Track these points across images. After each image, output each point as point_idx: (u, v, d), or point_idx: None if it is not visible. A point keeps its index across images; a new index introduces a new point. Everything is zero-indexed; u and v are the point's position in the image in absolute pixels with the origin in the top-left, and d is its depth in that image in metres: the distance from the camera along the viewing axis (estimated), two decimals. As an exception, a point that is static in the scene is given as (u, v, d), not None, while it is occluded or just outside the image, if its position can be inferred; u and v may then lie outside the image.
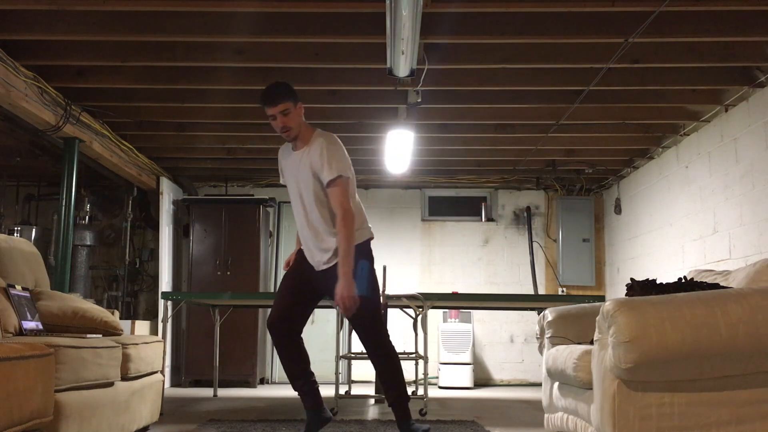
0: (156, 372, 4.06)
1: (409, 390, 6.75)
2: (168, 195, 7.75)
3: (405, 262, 8.33)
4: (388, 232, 8.34)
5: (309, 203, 3.47)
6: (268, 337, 8.06)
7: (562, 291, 8.24)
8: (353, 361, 6.83)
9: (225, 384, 7.11)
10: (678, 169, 6.49)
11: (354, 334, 6.21)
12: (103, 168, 6.77)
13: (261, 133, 6.53)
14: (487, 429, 4.14)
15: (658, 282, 2.96)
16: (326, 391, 6.44)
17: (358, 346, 7.55)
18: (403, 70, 4.44)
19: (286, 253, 8.36)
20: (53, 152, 6.16)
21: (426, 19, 4.02)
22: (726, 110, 5.62)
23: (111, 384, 3.25)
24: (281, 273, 8.33)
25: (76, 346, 2.81)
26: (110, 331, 3.67)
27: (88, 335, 3.34)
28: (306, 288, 3.55)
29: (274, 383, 8.01)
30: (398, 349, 6.89)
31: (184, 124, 6.40)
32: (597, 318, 2.65)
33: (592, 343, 2.75)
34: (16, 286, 3.43)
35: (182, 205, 8.02)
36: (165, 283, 7.58)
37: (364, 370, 7.53)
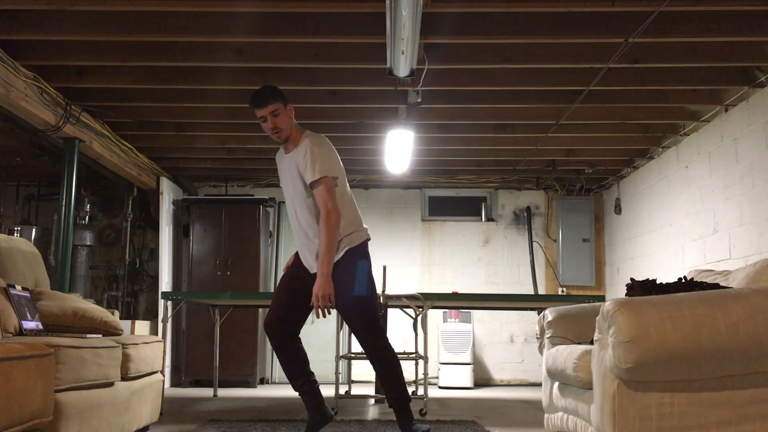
0: (156, 372, 4.06)
1: (410, 390, 6.77)
2: (168, 195, 7.75)
3: (405, 262, 8.33)
4: (388, 232, 8.34)
5: (299, 206, 3.48)
6: (268, 337, 8.05)
7: (562, 291, 8.24)
8: (353, 361, 6.83)
9: (225, 384, 7.11)
10: (678, 169, 6.49)
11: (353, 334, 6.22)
12: (103, 168, 6.77)
13: (261, 133, 6.52)
14: (487, 429, 4.14)
15: (658, 282, 2.96)
16: (326, 391, 6.43)
17: (358, 346, 7.56)
18: (403, 70, 4.44)
19: (286, 253, 8.36)
20: (53, 152, 6.16)
21: (426, 19, 4.02)
22: (726, 110, 5.62)
23: (111, 384, 3.25)
24: (281, 273, 8.35)
25: (76, 346, 2.81)
26: (110, 331, 3.67)
27: (88, 335, 3.34)
28: (302, 290, 3.53)
29: (274, 383, 8.01)
30: (398, 349, 6.90)
31: (184, 124, 6.40)
32: (597, 318, 2.65)
33: (592, 343, 2.75)
34: (16, 286, 3.43)
35: (182, 205, 8.02)
36: (165, 283, 7.58)
37: (364, 370, 7.53)
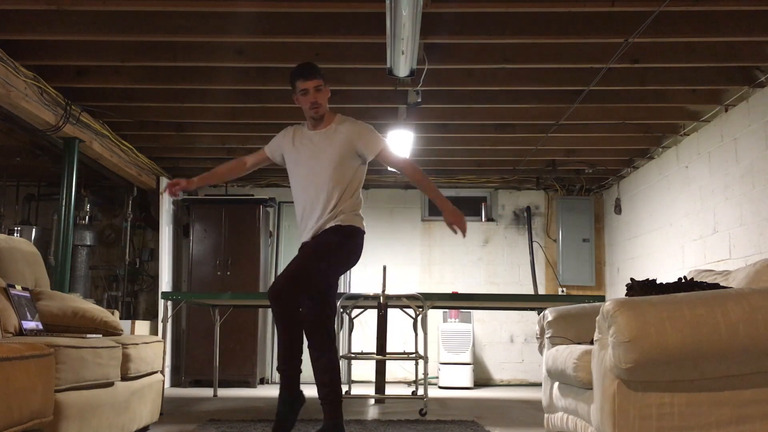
0: (156, 372, 4.06)
1: (410, 390, 6.77)
2: (168, 195, 7.74)
3: (405, 262, 8.33)
4: (388, 232, 8.34)
5: (325, 176, 3.45)
6: (268, 336, 8.06)
7: (562, 291, 8.24)
8: (353, 361, 6.83)
9: (225, 384, 7.11)
10: (678, 169, 6.49)
11: (354, 333, 6.22)
12: (103, 168, 6.77)
13: (261, 133, 6.53)
14: (487, 429, 4.14)
15: (658, 282, 2.96)
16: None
17: (357, 346, 7.57)
18: (403, 70, 4.44)
19: (286, 253, 8.35)
20: (53, 152, 6.16)
21: (426, 19, 4.02)
22: (726, 110, 5.62)
23: (111, 384, 3.25)
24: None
25: (76, 346, 2.81)
26: (110, 331, 3.67)
27: (88, 335, 3.34)
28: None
29: (274, 383, 8.00)
30: (398, 349, 6.90)
31: (184, 124, 6.40)
32: (597, 318, 2.65)
33: (592, 343, 2.75)
34: (16, 286, 3.43)
35: (182, 205, 8.02)
36: (165, 283, 7.58)
37: (364, 370, 7.53)
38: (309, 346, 3.49)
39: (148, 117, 6.21)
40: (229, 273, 7.56)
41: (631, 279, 3.07)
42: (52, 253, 6.27)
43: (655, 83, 5.22)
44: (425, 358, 5.06)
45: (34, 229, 7.28)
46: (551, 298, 6.63)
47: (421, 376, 5.82)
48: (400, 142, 6.17)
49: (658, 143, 6.70)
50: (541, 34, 4.40)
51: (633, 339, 2.42)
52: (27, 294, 3.48)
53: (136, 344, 3.62)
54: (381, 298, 5.58)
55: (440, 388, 7.47)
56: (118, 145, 6.55)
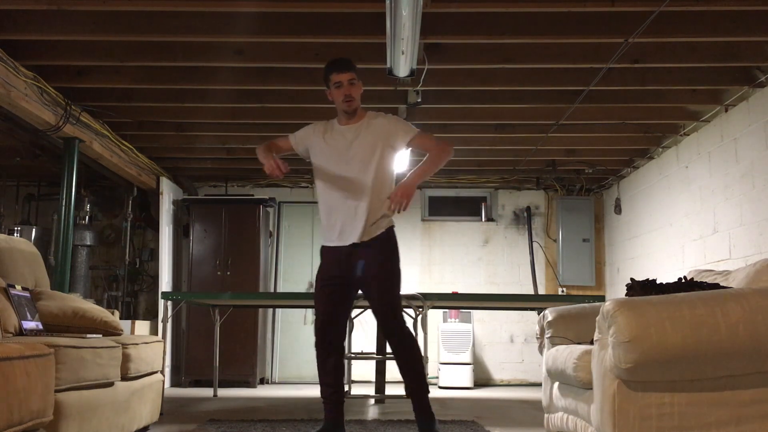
0: (156, 372, 4.06)
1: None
2: (168, 195, 7.75)
3: (405, 262, 8.17)
4: (388, 232, 8.33)
5: (368, 175, 3.45)
6: (268, 336, 8.06)
7: (562, 291, 8.24)
8: (353, 361, 6.83)
9: (225, 384, 7.10)
10: (678, 169, 6.49)
11: (354, 334, 6.22)
12: (103, 168, 6.77)
13: (261, 133, 6.53)
14: (487, 429, 4.14)
15: (658, 282, 2.96)
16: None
17: (357, 346, 7.57)
18: (403, 70, 4.44)
19: (286, 253, 8.36)
20: (53, 152, 6.16)
21: (426, 19, 4.02)
22: (726, 110, 5.62)
23: (111, 384, 3.25)
24: (281, 273, 8.37)
25: (76, 346, 2.81)
26: (110, 331, 3.67)
27: (88, 335, 3.34)
28: (340, 290, 3.52)
29: (274, 383, 8.01)
30: (398, 349, 6.88)
31: (184, 124, 6.40)
32: (597, 318, 2.64)
33: (592, 343, 2.75)
34: (16, 286, 3.42)
35: (182, 205, 8.01)
36: (165, 283, 7.58)
37: (364, 370, 7.53)
38: (407, 358, 3.52)
39: (148, 117, 6.20)
40: (229, 273, 7.56)
41: (631, 279, 3.07)
42: (52, 253, 6.27)
43: (655, 83, 5.22)
44: (425, 358, 5.05)
45: (34, 229, 7.28)
46: (551, 298, 6.63)
47: (421, 376, 5.81)
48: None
49: (658, 143, 6.70)
50: (541, 34, 4.40)
51: (633, 339, 2.42)
52: (27, 294, 3.48)
53: (136, 344, 3.62)
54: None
55: (440, 388, 7.47)
56: (118, 145, 6.54)
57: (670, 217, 6.60)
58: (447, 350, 7.60)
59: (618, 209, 7.94)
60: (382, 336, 3.52)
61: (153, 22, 4.31)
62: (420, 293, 5.24)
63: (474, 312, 7.83)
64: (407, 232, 8.45)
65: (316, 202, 8.77)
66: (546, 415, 3.64)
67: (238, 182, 8.39)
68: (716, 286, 2.90)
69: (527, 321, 8.22)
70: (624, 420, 2.48)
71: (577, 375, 2.88)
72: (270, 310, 8.07)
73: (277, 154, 3.59)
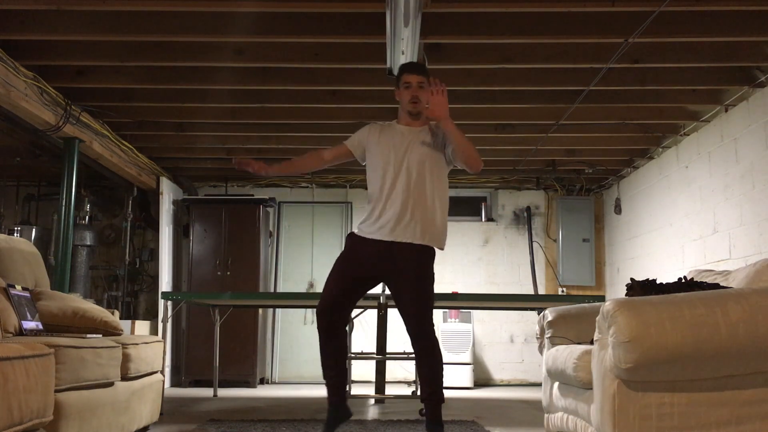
0: (156, 372, 4.06)
1: (409, 390, 6.77)
2: (168, 195, 7.75)
3: (405, 262, 8.30)
4: (388, 232, 8.33)
5: (425, 176, 3.48)
6: (268, 336, 8.06)
7: (562, 291, 8.24)
8: (353, 361, 6.83)
9: (225, 384, 7.11)
10: (678, 169, 6.49)
11: (354, 333, 6.22)
12: (103, 168, 6.77)
13: (261, 133, 6.53)
14: (487, 429, 4.14)
15: (658, 282, 2.96)
16: (326, 391, 6.38)
17: (358, 346, 7.57)
18: (403, 70, 4.43)
19: (287, 253, 8.36)
20: (53, 152, 6.16)
21: (426, 19, 4.02)
22: (726, 110, 5.62)
23: (111, 384, 3.25)
24: (281, 273, 8.37)
25: (76, 346, 2.81)
26: (110, 331, 3.67)
27: (88, 335, 3.34)
28: (363, 280, 3.52)
29: (274, 383, 8.01)
30: (398, 350, 6.90)
31: (184, 124, 6.40)
32: (597, 318, 2.65)
33: (592, 343, 2.75)
34: (16, 286, 3.43)
35: (182, 205, 8.02)
36: (165, 283, 7.58)
37: (364, 370, 7.53)
38: (429, 365, 3.50)
39: (148, 117, 6.20)
40: (229, 273, 7.56)
41: (631, 279, 3.07)
42: (52, 253, 6.27)
43: (655, 83, 5.22)
44: (425, 358, 5.05)
45: (34, 229, 7.28)
46: (551, 298, 6.63)
47: (421, 376, 5.81)
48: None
49: (658, 143, 6.70)
50: (541, 34, 4.40)
51: (633, 339, 2.42)
52: (27, 294, 3.48)
53: (136, 344, 3.62)
54: (381, 298, 5.58)
55: (440, 388, 7.46)
56: (118, 145, 6.55)
57: (670, 217, 6.60)
58: (447, 350, 7.59)
59: (618, 209, 7.95)
60: (411, 338, 3.50)
61: (153, 22, 4.31)
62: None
63: (474, 312, 7.83)
64: (407, 232, 8.44)
65: (315, 202, 8.74)
66: (546, 415, 3.65)
67: (238, 182, 8.39)
68: (716, 286, 2.90)
69: (527, 321, 8.22)
70: (624, 420, 2.48)
71: (577, 375, 2.88)
72: (270, 310, 8.07)
73: (325, 164, 3.74)
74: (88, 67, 5.13)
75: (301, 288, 8.23)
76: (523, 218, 8.49)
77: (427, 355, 3.47)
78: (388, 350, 6.04)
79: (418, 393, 5.90)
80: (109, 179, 7.34)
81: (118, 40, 4.62)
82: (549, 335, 3.72)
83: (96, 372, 3.00)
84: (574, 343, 3.41)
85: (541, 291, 8.27)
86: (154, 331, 7.21)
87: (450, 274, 8.38)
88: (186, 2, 4.10)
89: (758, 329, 2.43)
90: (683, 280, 2.98)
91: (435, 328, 3.53)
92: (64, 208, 5.74)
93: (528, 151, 7.04)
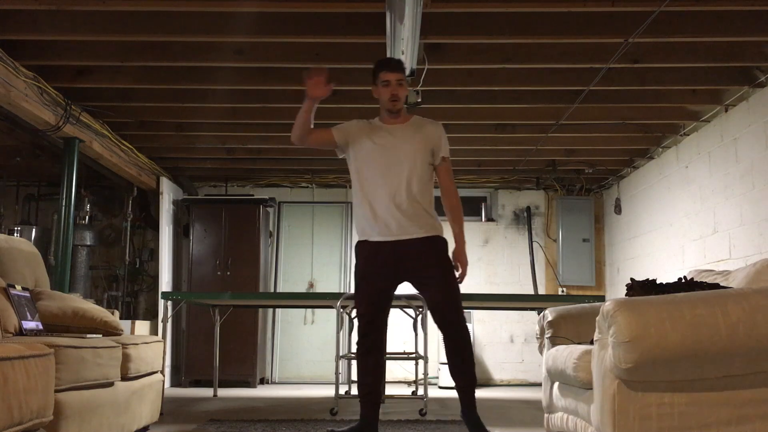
0: (156, 372, 4.06)
1: (409, 390, 6.77)
2: (168, 195, 7.75)
3: (405, 262, 8.30)
4: (388, 232, 8.33)
5: (411, 172, 3.50)
6: (268, 336, 8.06)
7: (562, 291, 8.24)
8: (353, 361, 6.83)
9: (225, 384, 7.11)
10: (678, 169, 6.49)
11: (354, 333, 6.22)
12: (103, 168, 6.77)
13: (261, 133, 6.53)
14: (487, 429, 4.13)
15: (658, 282, 2.96)
16: (326, 391, 6.43)
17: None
18: (403, 70, 4.43)
19: (287, 253, 8.36)
20: (53, 152, 6.16)
21: (426, 19, 4.02)
22: (726, 110, 5.62)
23: (111, 384, 3.25)
24: (281, 273, 8.37)
25: (76, 346, 2.81)
26: (110, 331, 3.67)
27: (88, 335, 3.34)
28: (386, 286, 3.54)
29: (274, 383, 8.01)
30: (398, 350, 6.90)
31: (184, 124, 6.40)
32: (597, 318, 2.65)
33: (592, 343, 2.75)
34: (16, 286, 3.42)
35: (182, 205, 8.02)
36: (165, 283, 7.58)
37: (364, 370, 7.52)
38: (463, 355, 3.53)
39: (148, 117, 6.20)
40: (229, 273, 7.56)
41: (631, 279, 3.07)
42: (52, 253, 6.27)
43: (655, 83, 5.22)
44: (425, 358, 5.06)
45: (34, 229, 7.28)
46: (551, 298, 6.63)
47: (421, 376, 5.81)
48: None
49: (658, 143, 6.70)
50: (541, 34, 4.40)
51: (633, 339, 2.42)
52: (27, 294, 3.48)
53: (136, 344, 3.62)
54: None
55: (440, 388, 7.47)
56: (118, 145, 6.55)
57: (670, 217, 6.60)
58: (447, 350, 7.59)
59: (618, 209, 7.94)
60: (440, 328, 3.51)
61: (153, 22, 4.31)
62: (420, 293, 5.23)
63: (474, 312, 7.82)
64: (407, 232, 8.44)
65: (315, 202, 8.74)
66: (546, 415, 3.65)
67: (238, 182, 8.39)
68: (716, 286, 2.90)
69: (527, 321, 8.22)
70: (624, 420, 2.48)
71: (577, 375, 2.88)
72: (270, 310, 8.07)
73: (310, 138, 3.61)
74: (88, 67, 5.13)
75: (301, 288, 8.22)
76: (523, 218, 8.49)
77: (461, 344, 3.48)
78: (388, 350, 6.03)
79: (419, 393, 5.91)
80: (109, 179, 7.34)
81: (118, 40, 4.62)
82: (549, 335, 3.72)
83: (96, 372, 3.00)
84: (574, 343, 3.40)
85: (541, 291, 8.27)
86: (154, 331, 7.21)
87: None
88: (186, 2, 4.10)
89: (758, 329, 2.43)
90: (683, 280, 2.98)
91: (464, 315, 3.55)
92: (64, 208, 5.74)
93: (528, 151, 7.04)
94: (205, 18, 4.31)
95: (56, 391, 2.60)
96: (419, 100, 5.34)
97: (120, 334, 3.71)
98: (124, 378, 3.43)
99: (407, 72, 4.46)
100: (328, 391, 6.29)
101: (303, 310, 7.98)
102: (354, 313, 6.01)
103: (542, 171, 7.85)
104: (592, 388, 2.73)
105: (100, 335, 3.50)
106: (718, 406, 2.48)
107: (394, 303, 5.37)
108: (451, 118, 6.10)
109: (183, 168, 7.90)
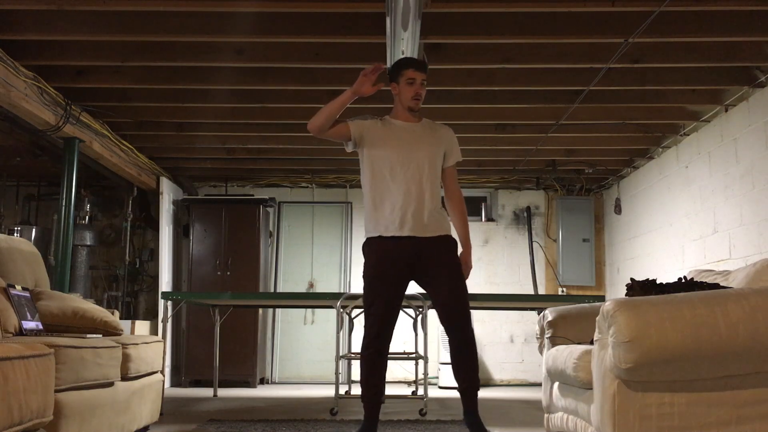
0: (156, 372, 4.06)
1: (409, 390, 6.77)
2: (168, 195, 7.75)
3: (405, 262, 8.30)
4: (388, 232, 8.33)
5: (431, 173, 3.54)
6: (268, 336, 8.06)
7: (562, 291, 8.24)
8: (353, 361, 6.83)
9: (225, 384, 7.11)
10: (678, 169, 6.49)
11: (354, 333, 6.22)
12: (103, 168, 6.77)
13: (261, 133, 6.53)
14: (487, 429, 4.13)
15: (658, 282, 2.96)
16: (326, 391, 6.43)
17: (358, 346, 7.56)
18: (403, 70, 4.43)
19: (287, 253, 8.36)
20: (53, 152, 6.16)
21: (426, 19, 4.02)
22: (726, 110, 5.62)
23: (111, 384, 3.25)
24: (281, 273, 8.37)
25: (76, 346, 2.81)
26: (110, 331, 3.67)
27: (88, 335, 3.34)
28: (399, 287, 3.51)
29: (274, 383, 8.01)
30: (398, 350, 6.90)
31: (184, 124, 6.40)
32: (597, 318, 2.65)
33: (592, 343, 2.75)
34: (16, 286, 3.43)
35: (182, 205, 8.02)
36: (165, 283, 7.58)
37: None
38: (467, 355, 3.55)
39: (148, 117, 6.20)
40: (229, 273, 7.56)
41: (631, 279, 3.07)
42: (52, 253, 6.27)
43: (655, 83, 5.22)
44: (425, 358, 5.06)
45: (34, 229, 7.28)
46: (551, 298, 6.63)
47: (421, 376, 5.81)
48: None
49: (658, 143, 6.70)
50: (541, 34, 4.40)
51: (633, 339, 2.42)
52: (27, 294, 3.48)
53: (136, 344, 3.62)
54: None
55: (440, 388, 7.47)
56: (118, 145, 6.55)
57: (670, 217, 6.60)
58: (447, 350, 7.60)
59: (618, 209, 7.95)
60: (447, 330, 3.50)
61: (153, 22, 4.31)
62: (420, 293, 5.24)
63: (474, 312, 7.76)
64: (407, 232, 8.44)
65: (315, 202, 8.75)
66: (546, 415, 3.65)
67: (238, 182, 8.39)
68: (716, 286, 2.90)
69: (527, 321, 8.22)
70: (624, 420, 2.48)
71: (577, 375, 2.88)
72: (270, 310, 8.07)
73: (330, 130, 3.55)
74: (88, 67, 5.13)
75: (301, 288, 8.23)
76: (523, 218, 8.49)
77: (466, 345, 3.49)
78: (390, 350, 6.02)
79: (419, 393, 5.90)
80: (109, 179, 7.34)
81: (118, 40, 4.62)
82: (549, 335, 3.72)
83: (96, 372, 3.00)
84: (574, 343, 3.40)
85: (541, 291, 8.27)
86: (154, 331, 7.21)
87: (450, 274, 8.37)
88: (186, 2, 4.10)
89: (758, 329, 2.43)
90: (683, 280, 2.98)
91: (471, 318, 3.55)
92: (64, 208, 5.74)
93: (528, 151, 7.04)
94: (205, 18, 4.31)
95: (56, 391, 2.60)
96: (419, 100, 5.33)
97: (120, 334, 3.71)
98: (124, 378, 3.43)
99: None
100: (328, 391, 6.29)
101: (303, 310, 7.99)
102: (354, 313, 6.00)
103: (542, 171, 7.85)
104: (592, 388, 2.73)
105: (100, 335, 3.50)
106: (718, 406, 2.48)
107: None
108: (451, 118, 6.09)
109: (183, 168, 7.90)
